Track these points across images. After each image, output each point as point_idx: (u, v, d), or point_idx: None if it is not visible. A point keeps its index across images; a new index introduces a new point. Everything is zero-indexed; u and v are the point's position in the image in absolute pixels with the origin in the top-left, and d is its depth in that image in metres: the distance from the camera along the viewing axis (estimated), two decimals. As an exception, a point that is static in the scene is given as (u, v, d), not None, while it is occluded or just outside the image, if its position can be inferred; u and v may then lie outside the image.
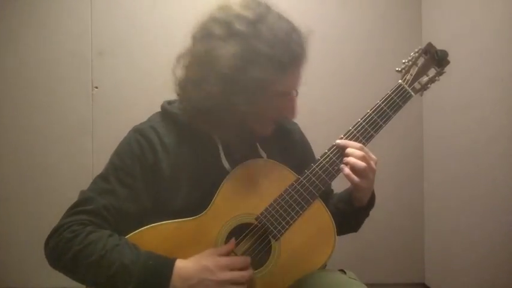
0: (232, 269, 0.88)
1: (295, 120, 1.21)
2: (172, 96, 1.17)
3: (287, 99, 0.97)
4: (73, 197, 1.00)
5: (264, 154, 1.05)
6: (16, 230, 2.21)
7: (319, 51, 2.25)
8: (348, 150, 0.98)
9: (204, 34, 0.94)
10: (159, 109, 1.13)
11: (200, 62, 0.93)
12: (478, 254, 1.78)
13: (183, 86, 0.99)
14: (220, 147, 1.02)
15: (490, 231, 1.71)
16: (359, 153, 0.97)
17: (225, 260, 0.88)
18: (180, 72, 0.99)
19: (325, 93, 2.25)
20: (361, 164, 0.96)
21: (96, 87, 2.25)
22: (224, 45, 0.89)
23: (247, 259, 0.91)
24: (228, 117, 0.93)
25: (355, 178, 0.96)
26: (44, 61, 2.24)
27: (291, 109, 0.99)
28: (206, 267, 0.87)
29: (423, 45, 1.09)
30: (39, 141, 2.23)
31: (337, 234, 1.04)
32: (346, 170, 0.96)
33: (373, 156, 0.99)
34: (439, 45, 1.08)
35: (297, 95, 0.99)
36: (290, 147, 1.12)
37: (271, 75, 0.89)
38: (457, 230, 1.95)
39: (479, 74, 1.77)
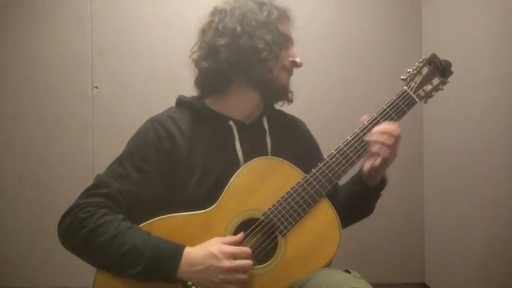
0: (237, 258, 0.91)
1: (303, 119, 1.27)
2: (171, 96, 1.18)
3: (290, 47, 1.11)
4: (73, 197, 1.01)
5: (269, 140, 1.10)
6: (16, 230, 2.21)
7: (318, 51, 2.26)
8: (375, 129, 1.02)
9: (214, 20, 1.08)
10: (159, 109, 1.15)
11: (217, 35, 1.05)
12: (478, 254, 1.79)
13: (201, 61, 1.08)
14: (235, 131, 1.07)
15: (490, 232, 1.71)
16: (387, 128, 1.01)
17: (231, 249, 0.91)
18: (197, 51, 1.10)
19: (324, 93, 2.26)
20: (392, 139, 1.00)
21: (96, 87, 2.25)
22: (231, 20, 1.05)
23: (249, 249, 0.94)
24: (251, 73, 1.05)
25: (387, 152, 1.00)
26: (44, 61, 2.25)
27: (297, 55, 1.11)
28: (212, 254, 0.90)
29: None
30: (39, 141, 2.23)
31: (353, 222, 1.15)
32: (377, 146, 1.00)
33: (394, 133, 1.02)
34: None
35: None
36: (295, 137, 1.18)
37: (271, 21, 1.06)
38: (457, 230, 1.95)
39: (479, 74, 1.77)
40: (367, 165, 1.05)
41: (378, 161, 1.01)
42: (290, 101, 1.18)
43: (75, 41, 2.25)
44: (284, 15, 1.11)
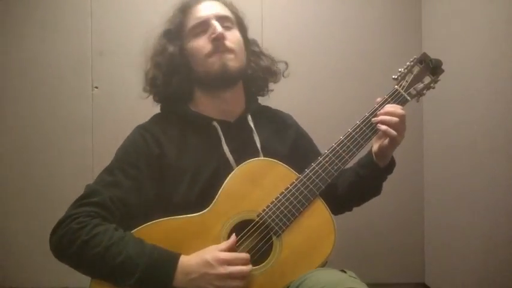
0: (232, 264, 0.90)
1: (290, 113, 1.27)
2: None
3: (206, 32, 1.07)
4: (73, 197, 1.01)
5: (257, 137, 1.10)
6: (16, 230, 2.21)
7: (318, 51, 2.26)
8: (380, 112, 1.04)
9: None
10: (159, 109, 1.15)
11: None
12: (478, 254, 1.79)
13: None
14: (220, 132, 1.07)
15: (490, 231, 1.71)
16: (390, 110, 1.03)
17: (225, 255, 0.90)
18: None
19: (323, 92, 2.26)
20: (395, 119, 1.01)
21: (96, 87, 2.25)
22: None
23: (247, 255, 0.93)
24: (184, 73, 1.08)
25: (393, 132, 1.01)
26: (44, 61, 2.25)
27: (213, 30, 1.06)
28: (207, 262, 0.89)
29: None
30: (40, 140, 2.24)
31: (362, 202, 1.17)
32: (383, 126, 1.02)
33: (398, 110, 1.03)
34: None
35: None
36: (283, 131, 1.18)
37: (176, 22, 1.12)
38: (457, 230, 1.95)
39: (479, 74, 1.77)
40: (376, 146, 1.07)
41: (385, 141, 1.03)
42: (278, 76, 1.19)
43: (75, 41, 2.25)
44: (188, 8, 1.12)
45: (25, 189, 2.23)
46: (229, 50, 1.06)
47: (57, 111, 2.24)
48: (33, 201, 2.22)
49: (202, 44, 1.07)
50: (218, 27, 1.05)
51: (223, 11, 1.11)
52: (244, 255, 0.93)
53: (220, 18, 1.08)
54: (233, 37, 1.09)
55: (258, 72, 1.15)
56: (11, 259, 2.21)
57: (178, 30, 1.11)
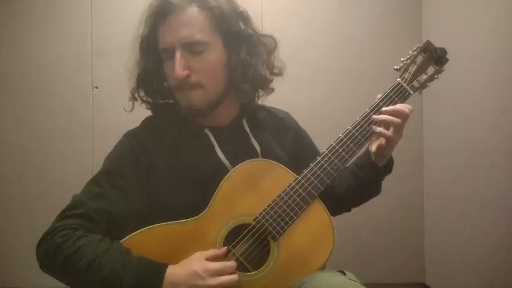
0: (221, 274, 0.87)
1: (291, 113, 1.23)
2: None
3: (171, 60, 0.98)
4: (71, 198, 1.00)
5: (255, 142, 1.06)
6: (16, 230, 2.21)
7: (317, 50, 2.26)
8: (385, 110, 1.00)
9: None
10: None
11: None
12: (478, 254, 1.78)
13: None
14: (213, 139, 1.03)
15: (490, 231, 1.71)
16: (389, 110, 1.00)
17: (214, 266, 0.87)
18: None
19: (324, 92, 2.26)
20: (398, 120, 0.98)
21: (96, 87, 2.25)
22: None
23: (234, 263, 0.90)
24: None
25: (387, 132, 0.99)
26: (44, 61, 2.25)
27: (174, 67, 0.96)
28: (195, 273, 0.85)
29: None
30: (40, 141, 2.24)
31: (362, 203, 1.13)
32: (378, 128, 0.99)
33: (405, 110, 0.99)
34: (438, 44, 1.08)
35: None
36: (282, 132, 1.14)
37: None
38: (457, 230, 1.95)
39: (479, 74, 1.77)
40: (374, 146, 1.04)
41: (383, 141, 1.01)
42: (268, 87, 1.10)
43: (75, 41, 2.25)
44: (153, 24, 1.01)
45: (25, 189, 2.23)
46: (196, 86, 0.99)
47: (57, 112, 2.24)
48: (33, 201, 2.22)
49: (170, 74, 1.00)
50: (178, 69, 0.96)
51: (192, 30, 0.97)
52: (233, 263, 0.90)
53: (188, 45, 0.97)
54: (202, 66, 0.98)
55: (241, 83, 1.03)
56: (11, 259, 2.21)
57: (151, 42, 1.04)
